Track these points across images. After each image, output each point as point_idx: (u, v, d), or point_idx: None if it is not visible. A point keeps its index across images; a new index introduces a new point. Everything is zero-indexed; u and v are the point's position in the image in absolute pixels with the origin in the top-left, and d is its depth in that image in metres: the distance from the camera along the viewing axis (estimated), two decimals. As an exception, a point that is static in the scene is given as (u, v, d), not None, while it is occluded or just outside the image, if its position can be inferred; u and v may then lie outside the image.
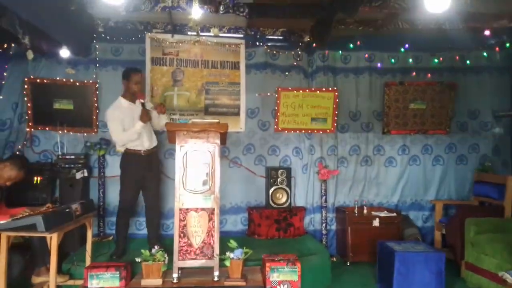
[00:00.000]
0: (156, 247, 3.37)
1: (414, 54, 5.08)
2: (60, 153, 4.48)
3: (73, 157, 4.42)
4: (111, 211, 4.66)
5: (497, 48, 5.00)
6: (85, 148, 4.60)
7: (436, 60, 5.07)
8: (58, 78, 4.59)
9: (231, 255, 3.21)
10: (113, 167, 4.64)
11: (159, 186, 4.16)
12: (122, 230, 3.99)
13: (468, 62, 5.07)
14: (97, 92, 4.65)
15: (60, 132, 4.54)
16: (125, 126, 3.80)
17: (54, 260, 2.97)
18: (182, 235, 3.23)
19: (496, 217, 4.15)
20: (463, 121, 5.19)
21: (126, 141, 3.85)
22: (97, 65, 4.69)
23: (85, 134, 4.65)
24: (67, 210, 3.22)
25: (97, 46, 4.68)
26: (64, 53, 4.33)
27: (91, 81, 4.63)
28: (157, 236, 4.09)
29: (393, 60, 5.09)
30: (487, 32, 4.70)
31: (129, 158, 3.92)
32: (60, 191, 4.39)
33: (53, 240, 2.96)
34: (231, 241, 3.30)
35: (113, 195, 4.65)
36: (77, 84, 4.61)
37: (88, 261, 3.58)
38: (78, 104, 4.63)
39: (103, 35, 4.66)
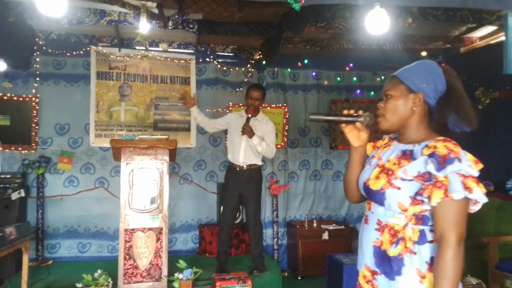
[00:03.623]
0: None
1: (358, 73, 5.31)
2: (-6, 172, 4.17)
3: (8, 176, 4.13)
4: (51, 233, 4.38)
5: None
6: (22, 166, 4.32)
7: (378, 79, 5.34)
8: (-7, 92, 4.30)
9: (180, 275, 3.12)
10: (53, 186, 4.40)
11: (254, 203, 3.98)
12: (219, 245, 4.02)
13: (407, 80, 5.39)
14: (37, 107, 4.40)
15: (-6, 149, 4.23)
16: (229, 129, 4.09)
17: (-17, 290, 2.73)
18: (127, 257, 3.10)
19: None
20: (447, 139, 5.45)
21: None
22: (37, 78, 4.45)
23: (23, 151, 4.37)
24: (0, 234, 2.97)
25: (37, 59, 4.45)
26: (1, 66, 4.07)
27: (30, 96, 4.38)
28: (260, 253, 4.01)
29: (338, 78, 5.29)
30: (424, 53, 5.03)
31: (229, 172, 4.05)
32: (-6, 213, 4.07)
33: (-17, 268, 2.72)
34: (180, 261, 3.22)
35: (53, 216, 4.39)
36: (15, 98, 4.34)
37: (24, 289, 3.32)
38: (15, 120, 4.34)
39: (44, 48, 4.44)
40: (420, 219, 1.34)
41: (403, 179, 1.35)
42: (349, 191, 1.62)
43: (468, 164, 1.27)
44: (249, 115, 3.84)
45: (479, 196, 1.26)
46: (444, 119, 1.40)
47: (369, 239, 1.43)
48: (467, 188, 1.25)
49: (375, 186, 1.42)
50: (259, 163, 4.00)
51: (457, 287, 1.25)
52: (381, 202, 1.41)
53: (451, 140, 1.34)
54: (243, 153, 3.93)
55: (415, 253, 1.33)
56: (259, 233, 4.01)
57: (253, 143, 3.85)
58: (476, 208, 1.32)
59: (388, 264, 1.36)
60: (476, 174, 1.27)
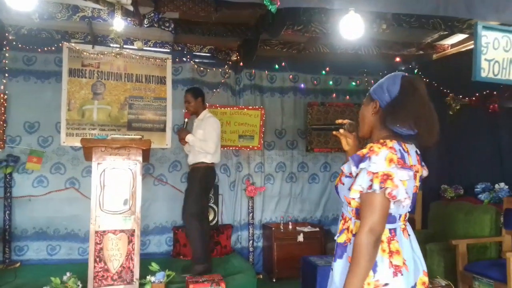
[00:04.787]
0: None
1: (334, 77, 5.37)
2: (-43, 171, 4.00)
3: (-27, 175, 3.96)
4: (18, 235, 4.24)
5: (406, 74, 5.45)
6: (-12, 165, 4.15)
7: (353, 83, 5.41)
8: (-43, 88, 4.13)
9: (152, 278, 3.06)
10: (22, 187, 4.25)
11: (190, 202, 3.86)
12: None
13: (382, 85, 5.48)
14: (5, 104, 4.24)
15: (-42, 147, 4.06)
16: None
17: None
18: (98, 259, 3.03)
19: (408, 229, 4.46)
20: (378, 141, 5.56)
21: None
22: (6, 75, 4.29)
23: (-10, 150, 4.21)
24: (-38, 236, 2.85)
25: (6, 54, 4.29)
26: (-34, 60, 3.91)
27: (-2, 92, 4.23)
28: (196, 257, 3.78)
29: (315, 82, 5.33)
30: (397, 59, 5.14)
31: None
32: (-44, 214, 3.90)
33: None
34: (153, 263, 3.16)
35: (21, 218, 4.25)
36: (-19, 95, 4.18)
37: (-13, 293, 3.20)
38: (-19, 117, 4.18)
39: (14, 43, 4.29)
40: (359, 213, 1.48)
41: (346, 176, 1.56)
42: None
43: (374, 162, 1.40)
44: (185, 119, 4.07)
45: (376, 189, 1.38)
46: (380, 120, 1.55)
47: (338, 229, 1.66)
48: (372, 183, 1.39)
49: (335, 183, 1.66)
50: (201, 160, 3.93)
51: (361, 273, 1.38)
52: (340, 197, 1.62)
53: (384, 142, 1.45)
54: (190, 153, 4.06)
55: (351, 243, 1.50)
56: (191, 234, 3.86)
57: (190, 142, 3.94)
58: (405, 204, 1.47)
59: (336, 249, 1.59)
60: (382, 170, 1.39)
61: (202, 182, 3.94)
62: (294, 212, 5.25)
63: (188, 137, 3.92)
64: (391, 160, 1.41)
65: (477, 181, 4.22)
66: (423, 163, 1.62)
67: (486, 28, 2.85)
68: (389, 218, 1.48)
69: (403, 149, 1.48)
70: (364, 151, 1.46)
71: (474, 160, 4.36)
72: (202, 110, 4.11)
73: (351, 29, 2.85)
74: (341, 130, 1.76)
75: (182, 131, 4.00)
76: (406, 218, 1.59)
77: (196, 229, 3.79)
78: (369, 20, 3.29)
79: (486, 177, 4.17)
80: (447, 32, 4.16)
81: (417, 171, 1.54)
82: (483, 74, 2.85)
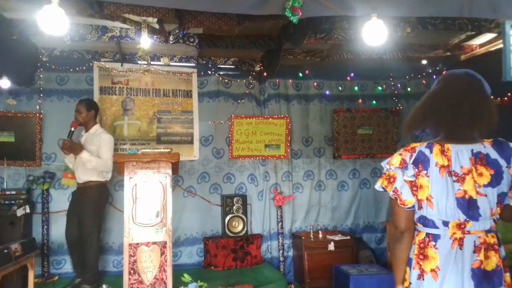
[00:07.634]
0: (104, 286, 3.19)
1: (359, 82, 5.32)
2: (-1, 188, 4.19)
3: (13, 192, 4.14)
4: (56, 249, 4.38)
5: (434, 76, 5.34)
6: (27, 182, 4.34)
7: (379, 88, 5.34)
8: (-3, 110, 4.35)
9: (185, 289, 3.11)
10: (58, 202, 4.41)
11: (86, 220, 3.85)
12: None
13: (409, 89, 5.35)
14: (41, 123, 4.44)
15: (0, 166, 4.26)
16: None
17: (-12, 307, 2.73)
18: (132, 271, 3.09)
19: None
20: (408, 144, 5.45)
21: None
22: (41, 95, 4.50)
23: (28, 167, 4.39)
24: (5, 251, 2.98)
25: (41, 75, 4.51)
26: (4, 83, 4.11)
27: (34, 112, 4.43)
28: (91, 271, 3.81)
29: (340, 88, 5.30)
30: (424, 61, 5.04)
31: None
32: (-1, 230, 4.08)
33: (-12, 285, 2.72)
34: (185, 275, 3.21)
35: (58, 232, 4.38)
36: (19, 115, 4.39)
37: (29, 306, 3.32)
38: (20, 136, 4.39)
39: (47, 64, 4.50)
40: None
41: None
42: None
43: (382, 165, 1.62)
44: (72, 128, 3.87)
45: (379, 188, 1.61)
46: None
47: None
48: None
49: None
50: (96, 178, 3.88)
51: (393, 263, 1.60)
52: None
53: (409, 145, 1.61)
54: (79, 169, 3.91)
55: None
56: (90, 255, 3.84)
57: (83, 159, 3.79)
58: (436, 207, 1.50)
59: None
60: (385, 171, 1.60)
61: (96, 202, 3.88)
62: (324, 220, 5.19)
63: (84, 155, 3.77)
64: (389, 162, 1.57)
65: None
66: (496, 163, 1.49)
67: (515, 26, 2.77)
68: (424, 221, 1.51)
69: (431, 150, 1.52)
70: None
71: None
72: (93, 124, 4.04)
73: (375, 35, 2.82)
74: None
75: (74, 145, 3.82)
76: (467, 227, 1.46)
77: (97, 248, 3.88)
78: (393, 25, 3.26)
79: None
80: (474, 32, 4.05)
81: (466, 173, 1.46)
82: (515, 74, 2.76)
